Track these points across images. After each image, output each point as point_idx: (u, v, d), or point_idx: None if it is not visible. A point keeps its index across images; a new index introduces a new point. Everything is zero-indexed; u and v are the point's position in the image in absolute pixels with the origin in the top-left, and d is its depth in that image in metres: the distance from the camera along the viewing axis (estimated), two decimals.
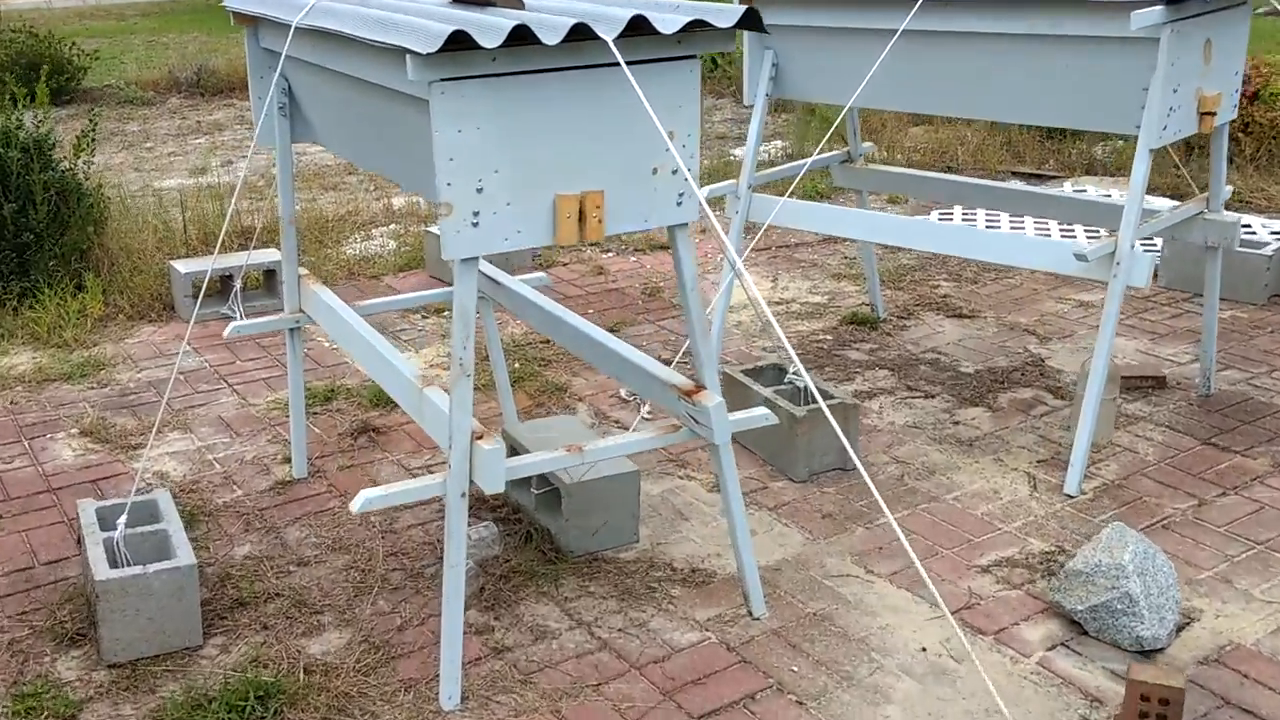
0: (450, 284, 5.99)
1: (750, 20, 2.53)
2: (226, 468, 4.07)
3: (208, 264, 5.55)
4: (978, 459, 4.08)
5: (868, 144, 5.18)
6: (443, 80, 2.35)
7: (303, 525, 3.68)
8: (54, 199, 5.55)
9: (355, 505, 2.60)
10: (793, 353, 2.38)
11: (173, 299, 5.57)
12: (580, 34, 2.36)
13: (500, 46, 2.30)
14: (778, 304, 5.69)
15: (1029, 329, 5.31)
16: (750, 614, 3.18)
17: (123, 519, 3.14)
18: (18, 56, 11.22)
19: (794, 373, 4.19)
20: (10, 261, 5.44)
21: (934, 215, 7.13)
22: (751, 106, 4.52)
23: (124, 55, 14.60)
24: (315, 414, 4.47)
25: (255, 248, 5.84)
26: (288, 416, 4.44)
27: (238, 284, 5.36)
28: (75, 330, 5.21)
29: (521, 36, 2.33)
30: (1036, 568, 3.40)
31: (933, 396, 4.59)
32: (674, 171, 2.68)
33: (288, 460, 4.10)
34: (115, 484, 3.96)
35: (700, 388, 2.91)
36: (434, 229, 6.17)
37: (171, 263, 5.57)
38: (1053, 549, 3.50)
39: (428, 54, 2.24)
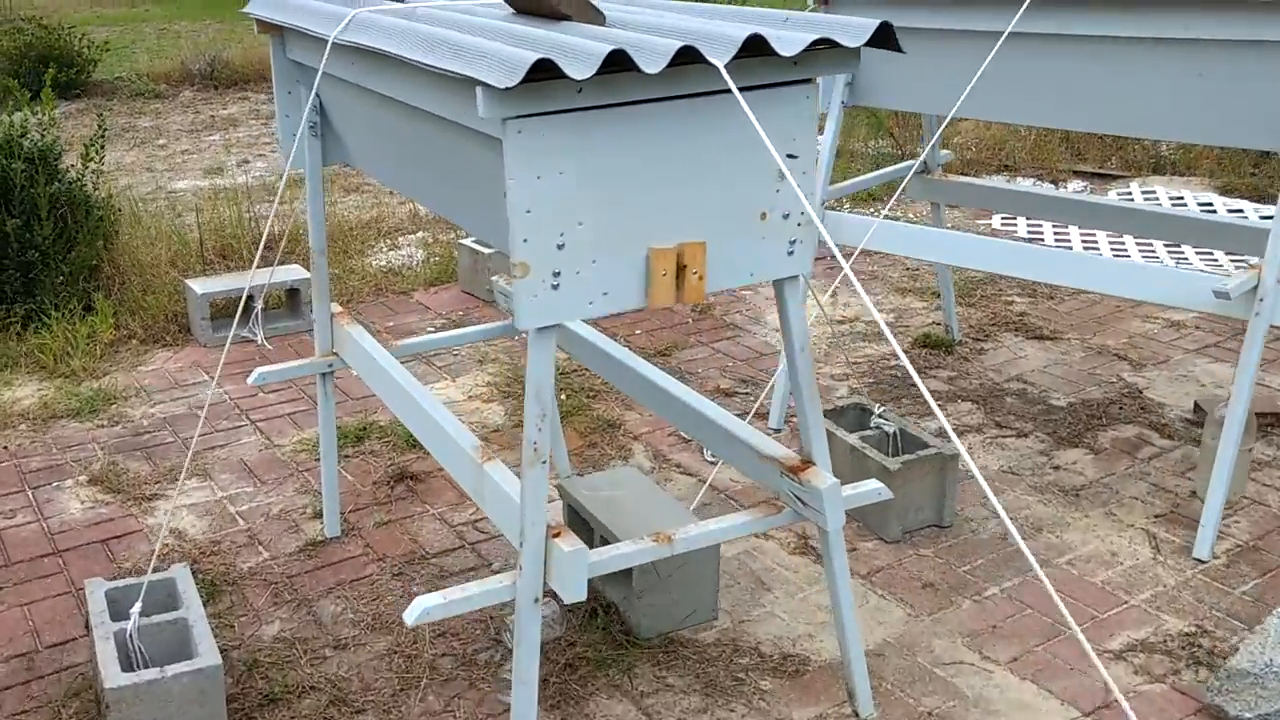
0: (489, 301, 5.57)
1: (884, 37, 2.09)
2: (251, 524, 3.66)
3: (225, 283, 5.14)
4: (1087, 513, 3.65)
5: (946, 152, 4.73)
6: (520, 117, 1.93)
7: (338, 597, 3.28)
8: (61, 213, 5.15)
9: (410, 617, 2.19)
10: (931, 399, 1.96)
11: (188, 321, 5.17)
12: (686, 58, 1.93)
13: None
14: (840, 323, 5.26)
15: (1119, 353, 4.87)
16: (856, 715, 2.77)
17: (137, 607, 2.73)
18: (26, 49, 10.82)
19: (880, 414, 3.76)
20: (14, 282, 5.04)
21: (997, 220, 6.68)
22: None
23: (135, 45, 14.20)
24: (346, 457, 4.06)
25: (277, 262, 5.43)
26: (316, 460, 4.03)
27: (258, 305, 4.95)
28: (84, 358, 4.81)
29: (615, 62, 1.90)
30: (1179, 654, 2.97)
31: (1026, 435, 4.15)
32: (785, 216, 2.25)
33: (318, 515, 3.69)
34: (128, 543, 3.56)
35: (808, 463, 2.49)
36: (466, 241, 5.75)
37: (187, 282, 5.16)
38: (1193, 630, 3.07)
39: (506, 88, 1.81)
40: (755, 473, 2.60)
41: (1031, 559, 1.82)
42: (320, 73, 2.62)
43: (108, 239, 5.39)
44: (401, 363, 3.06)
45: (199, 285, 5.08)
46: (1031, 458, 3.99)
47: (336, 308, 3.36)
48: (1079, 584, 3.29)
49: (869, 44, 2.09)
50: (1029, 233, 6.47)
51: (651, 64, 1.90)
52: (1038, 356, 4.85)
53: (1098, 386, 4.55)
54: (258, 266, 5.75)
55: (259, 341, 5.08)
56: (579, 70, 1.84)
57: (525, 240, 2.01)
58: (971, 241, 3.68)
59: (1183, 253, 5.95)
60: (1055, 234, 6.40)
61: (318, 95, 2.94)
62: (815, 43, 2.06)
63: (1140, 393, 4.48)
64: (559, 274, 2.06)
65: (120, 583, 2.90)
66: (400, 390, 2.89)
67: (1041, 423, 4.24)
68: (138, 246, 5.66)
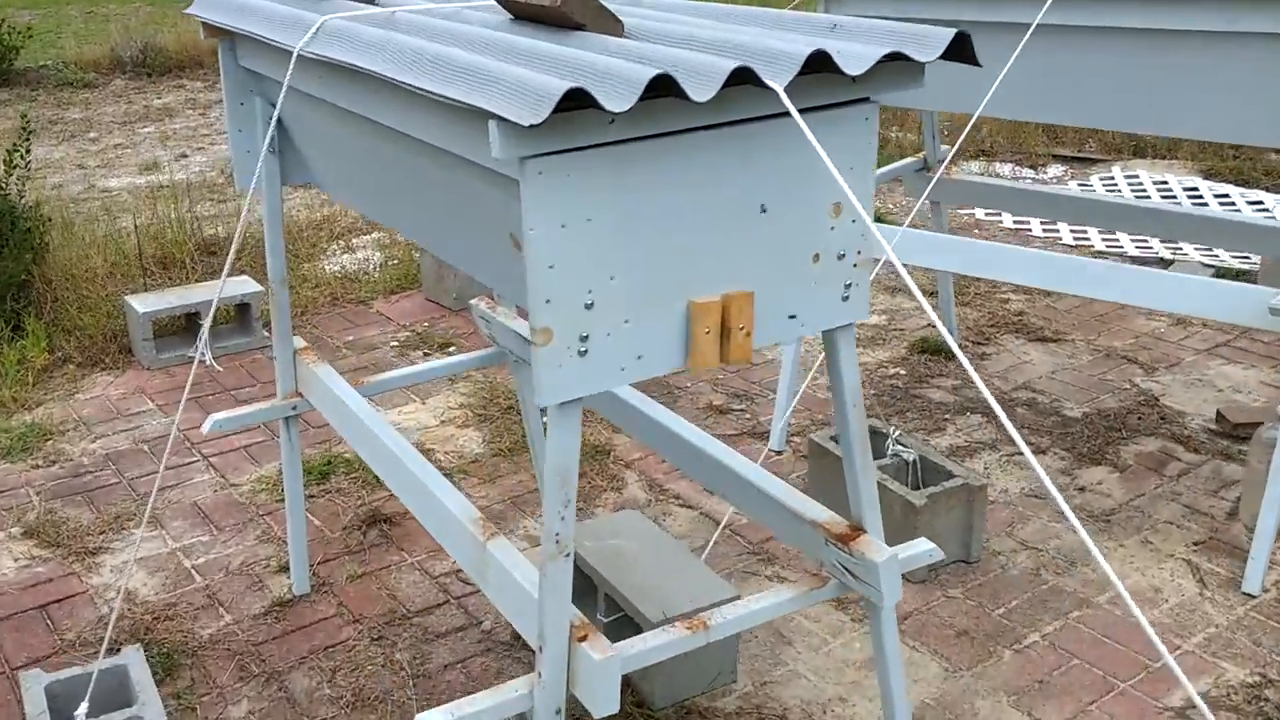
0: (456, 310, 5.20)
1: (961, 49, 1.78)
2: (209, 580, 3.30)
3: (168, 300, 4.73)
4: (1121, 541, 3.39)
5: (945, 147, 4.45)
6: (541, 156, 1.59)
7: (312, 667, 2.93)
8: None
9: None
10: (1002, 414, 1.66)
11: (130, 341, 4.75)
12: (738, 80, 1.60)
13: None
14: None
15: (1127, 355, 4.62)
16: None
17: (83, 709, 2.37)
18: None
19: (897, 439, 3.48)
20: None
21: (980, 211, 6.42)
22: None
23: (61, 30, 13.52)
24: (311, 497, 3.70)
25: (224, 273, 5.02)
26: (277, 502, 3.67)
27: (205, 323, 4.55)
28: (14, 387, 4.38)
29: (653, 87, 1.56)
30: (1244, 710, 2.72)
31: (1043, 452, 3.89)
32: (840, 256, 1.93)
33: (284, 568, 3.33)
34: (70, 609, 3.18)
35: (858, 530, 2.19)
36: None
37: (128, 299, 4.74)
38: (1256, 679, 2.82)
39: (531, 125, 1.47)
40: (794, 538, 2.29)
41: (1146, 622, 1.53)
42: (285, 88, 2.26)
43: (37, 252, 4.95)
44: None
45: (140, 303, 4.67)
46: (1054, 478, 3.73)
47: (300, 342, 3.00)
48: (1124, 627, 3.02)
49: (945, 57, 1.77)
50: (1014, 224, 6.22)
51: (702, 90, 1.56)
52: (1044, 361, 4.59)
53: (1111, 394, 4.30)
54: (186, 268, 5.34)
55: (207, 362, 4.69)
56: (618, 101, 1.50)
57: (548, 301, 1.67)
58: (1008, 254, 3.39)
59: (1180, 247, 5.73)
60: (1043, 226, 6.15)
61: (274, 105, 2.57)
62: (885, 57, 1.73)
63: (1157, 400, 4.24)
64: (587, 338, 1.72)
65: (63, 674, 2.54)
66: (379, 444, 2.54)
67: (1058, 437, 3.98)
68: (71, 258, 5.21)
